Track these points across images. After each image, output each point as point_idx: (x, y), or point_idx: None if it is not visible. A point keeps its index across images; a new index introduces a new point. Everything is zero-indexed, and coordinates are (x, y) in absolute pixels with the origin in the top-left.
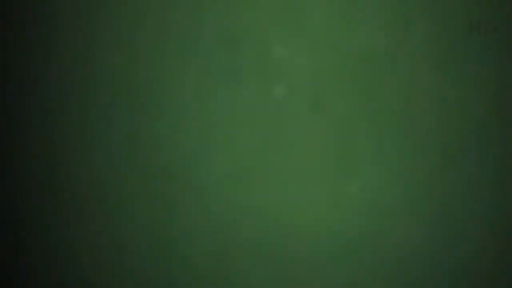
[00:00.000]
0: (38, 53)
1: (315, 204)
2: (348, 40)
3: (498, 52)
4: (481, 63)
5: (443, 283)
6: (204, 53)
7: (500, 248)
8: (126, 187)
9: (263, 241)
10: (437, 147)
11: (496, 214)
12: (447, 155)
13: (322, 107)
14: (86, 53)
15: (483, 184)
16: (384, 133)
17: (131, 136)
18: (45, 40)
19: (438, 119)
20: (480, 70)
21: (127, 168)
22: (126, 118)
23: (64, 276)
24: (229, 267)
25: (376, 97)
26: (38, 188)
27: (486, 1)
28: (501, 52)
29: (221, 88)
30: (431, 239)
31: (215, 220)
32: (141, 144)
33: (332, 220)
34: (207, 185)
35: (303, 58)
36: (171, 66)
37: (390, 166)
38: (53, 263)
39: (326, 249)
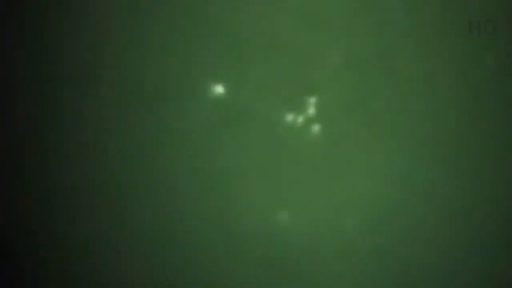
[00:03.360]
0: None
1: (319, 207)
2: (348, 41)
3: (498, 52)
4: (481, 63)
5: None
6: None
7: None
8: (132, 188)
9: (266, 245)
10: (437, 148)
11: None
12: (448, 155)
13: (324, 109)
14: (92, 53)
15: (486, 186)
16: (383, 135)
17: (137, 136)
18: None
19: (437, 119)
20: (480, 70)
21: (133, 169)
22: (129, 118)
23: (67, 275)
24: (233, 271)
25: (375, 98)
26: (43, 189)
27: (486, 1)
28: (501, 52)
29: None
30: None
31: (217, 219)
32: (147, 144)
33: (332, 222)
34: (210, 183)
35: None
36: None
37: (393, 168)
38: (55, 262)
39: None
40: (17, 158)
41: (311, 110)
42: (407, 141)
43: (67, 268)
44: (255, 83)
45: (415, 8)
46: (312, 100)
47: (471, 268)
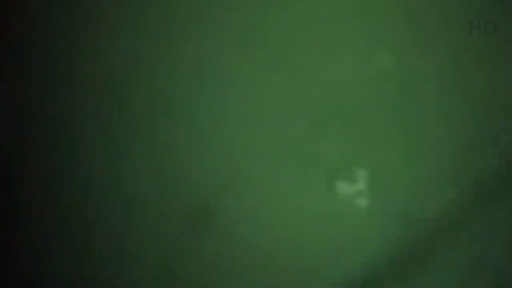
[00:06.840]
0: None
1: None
2: (349, 41)
3: (498, 52)
4: (481, 63)
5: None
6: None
7: None
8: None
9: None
10: (437, 148)
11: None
12: (447, 155)
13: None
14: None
15: (492, 185)
16: (385, 134)
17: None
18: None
19: (438, 119)
20: (480, 70)
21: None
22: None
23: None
24: (229, 271)
25: (376, 98)
26: (50, 189)
27: (486, 1)
28: (501, 52)
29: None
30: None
31: (217, 224)
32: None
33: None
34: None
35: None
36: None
37: (393, 169)
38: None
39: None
40: (20, 159)
41: None
42: (407, 141)
43: (67, 268)
44: None
45: (415, 9)
46: None
47: (496, 262)
